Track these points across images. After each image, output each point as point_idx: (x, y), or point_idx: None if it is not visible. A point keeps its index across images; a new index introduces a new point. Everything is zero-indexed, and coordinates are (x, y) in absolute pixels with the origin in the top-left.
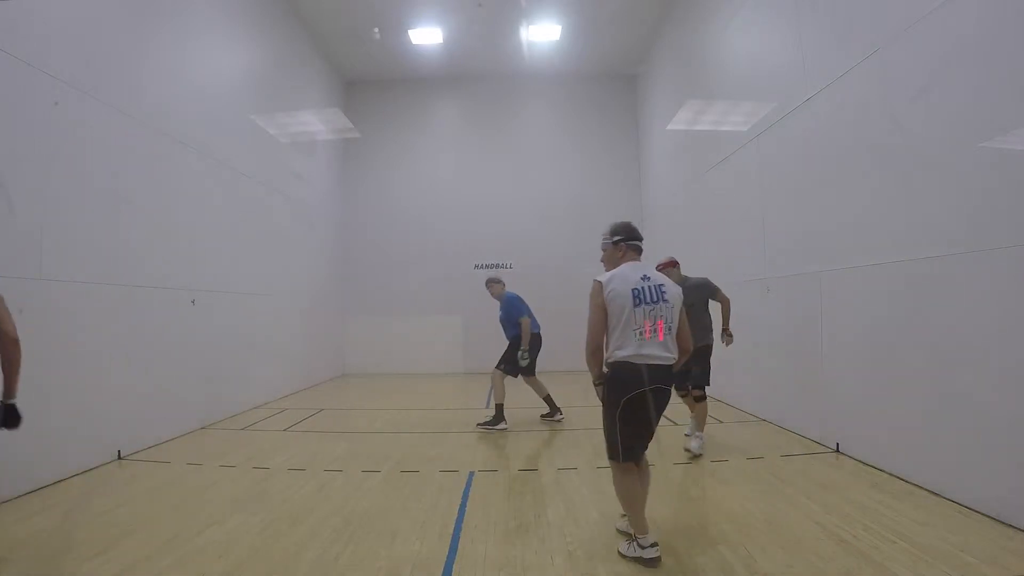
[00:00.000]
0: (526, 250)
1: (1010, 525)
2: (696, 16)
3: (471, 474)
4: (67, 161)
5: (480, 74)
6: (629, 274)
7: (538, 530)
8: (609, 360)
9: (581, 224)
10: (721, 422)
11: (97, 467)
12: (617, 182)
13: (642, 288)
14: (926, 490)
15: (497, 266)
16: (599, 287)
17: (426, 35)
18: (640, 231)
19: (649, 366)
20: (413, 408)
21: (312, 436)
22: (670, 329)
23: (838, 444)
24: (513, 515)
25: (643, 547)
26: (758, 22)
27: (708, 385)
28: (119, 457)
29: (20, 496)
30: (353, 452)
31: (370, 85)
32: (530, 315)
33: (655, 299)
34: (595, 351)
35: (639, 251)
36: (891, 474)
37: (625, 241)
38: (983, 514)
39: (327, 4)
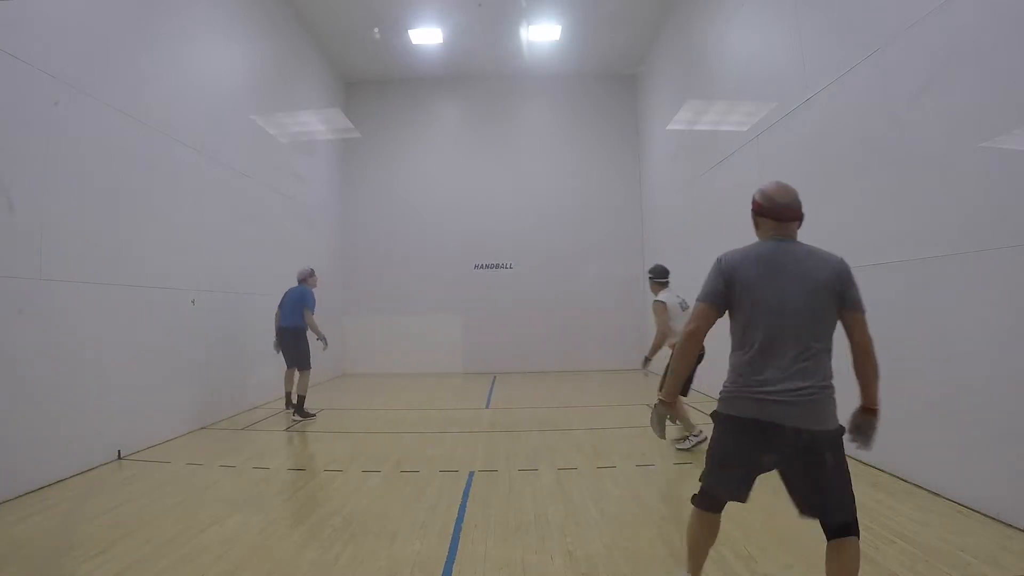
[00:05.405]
0: (526, 250)
1: (1010, 525)
2: (696, 16)
3: (471, 474)
4: (67, 161)
5: (480, 74)
6: None
7: (538, 530)
8: None
9: (581, 224)
10: None
11: (97, 467)
12: (617, 182)
13: None
14: (926, 490)
15: (497, 266)
16: None
17: (426, 35)
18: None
19: None
20: (413, 408)
21: (312, 436)
22: None
23: None
24: (513, 515)
25: None
26: (758, 22)
27: None
28: (119, 457)
29: (20, 496)
30: (353, 452)
31: (370, 85)
32: (281, 307)
33: None
34: None
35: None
36: (891, 474)
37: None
38: (983, 514)
39: (327, 4)
